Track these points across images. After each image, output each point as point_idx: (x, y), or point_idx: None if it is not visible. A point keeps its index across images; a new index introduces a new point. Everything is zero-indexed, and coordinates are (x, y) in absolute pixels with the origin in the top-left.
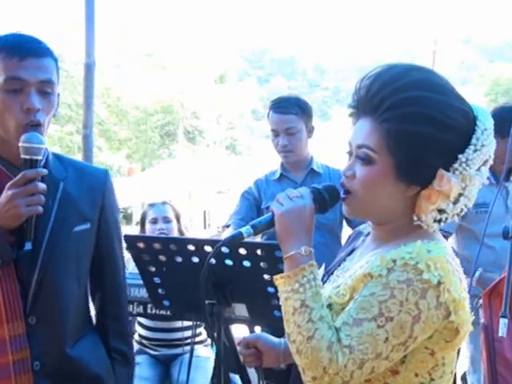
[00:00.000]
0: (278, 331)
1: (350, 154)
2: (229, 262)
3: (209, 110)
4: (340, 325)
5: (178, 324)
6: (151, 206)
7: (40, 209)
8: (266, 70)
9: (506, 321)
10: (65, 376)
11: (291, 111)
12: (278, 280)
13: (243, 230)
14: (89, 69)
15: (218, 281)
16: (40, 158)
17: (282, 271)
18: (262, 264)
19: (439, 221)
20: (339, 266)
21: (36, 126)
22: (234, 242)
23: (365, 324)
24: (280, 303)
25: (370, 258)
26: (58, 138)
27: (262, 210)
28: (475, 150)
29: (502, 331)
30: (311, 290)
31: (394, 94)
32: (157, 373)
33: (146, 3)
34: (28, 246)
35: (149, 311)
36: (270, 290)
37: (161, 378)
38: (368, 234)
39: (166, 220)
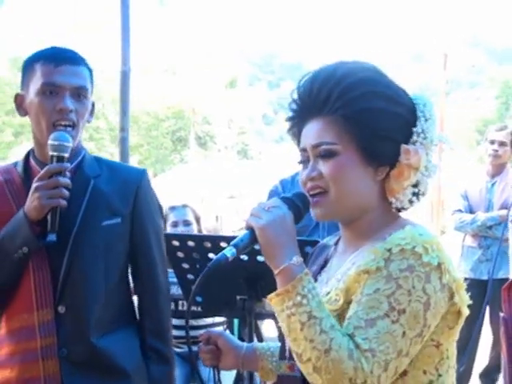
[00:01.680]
0: None
1: (304, 161)
2: (260, 258)
3: (219, 115)
4: (352, 330)
5: (208, 321)
6: (172, 209)
7: (62, 202)
8: (276, 75)
9: None
10: (91, 365)
11: None
12: (275, 299)
13: (226, 251)
14: (125, 75)
15: (249, 276)
16: (66, 155)
17: None
18: None
19: (417, 195)
20: (316, 280)
21: (70, 126)
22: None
23: (379, 323)
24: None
25: (354, 258)
26: None
27: None
28: (426, 120)
29: None
30: (314, 299)
31: (338, 83)
32: (183, 372)
33: (156, 12)
34: (52, 237)
35: (180, 308)
36: None
37: (187, 377)
38: (337, 242)
39: (187, 223)
